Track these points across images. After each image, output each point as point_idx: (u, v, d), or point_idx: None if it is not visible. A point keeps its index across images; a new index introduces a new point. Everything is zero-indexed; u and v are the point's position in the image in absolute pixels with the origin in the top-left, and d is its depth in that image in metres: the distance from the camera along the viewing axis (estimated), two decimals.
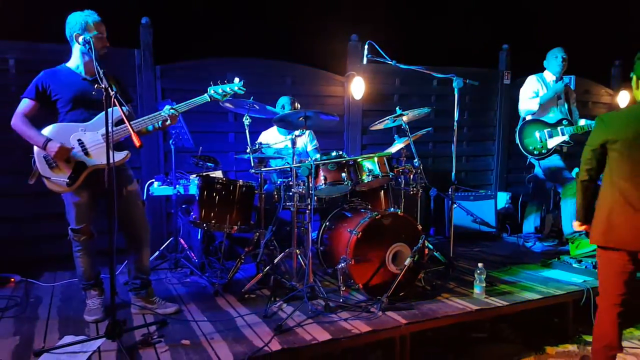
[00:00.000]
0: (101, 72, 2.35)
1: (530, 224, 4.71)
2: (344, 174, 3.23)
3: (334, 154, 3.27)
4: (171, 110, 2.72)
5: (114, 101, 2.30)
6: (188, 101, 2.82)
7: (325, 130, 5.01)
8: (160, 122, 2.76)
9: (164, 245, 3.99)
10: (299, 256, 3.18)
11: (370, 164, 3.33)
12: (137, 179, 3.13)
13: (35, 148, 2.63)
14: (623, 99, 6.65)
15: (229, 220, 3.35)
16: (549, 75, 4.43)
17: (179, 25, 4.66)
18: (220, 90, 2.86)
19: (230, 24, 4.96)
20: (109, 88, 2.30)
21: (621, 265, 2.34)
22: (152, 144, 4.33)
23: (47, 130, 2.62)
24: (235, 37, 4.97)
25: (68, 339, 2.50)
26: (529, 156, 4.39)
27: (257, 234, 3.41)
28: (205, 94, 2.86)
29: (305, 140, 4.16)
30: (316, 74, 5.12)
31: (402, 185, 3.73)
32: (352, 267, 3.01)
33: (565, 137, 4.25)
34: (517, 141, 4.42)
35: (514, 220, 5.48)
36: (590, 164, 2.43)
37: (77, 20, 2.62)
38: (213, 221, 3.34)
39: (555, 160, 4.28)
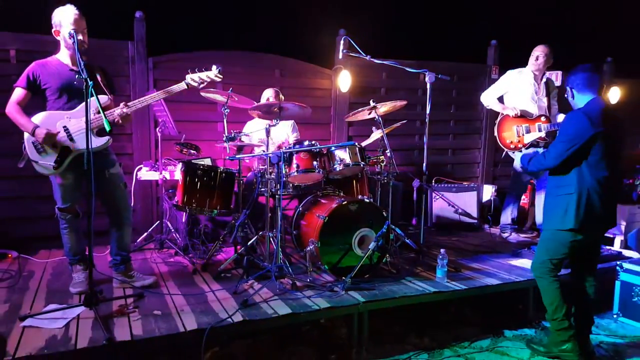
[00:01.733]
0: (82, 64, 2.56)
1: (507, 215, 4.87)
2: (315, 162, 3.44)
3: (306, 143, 3.47)
4: (124, 110, 2.91)
5: (92, 91, 2.52)
6: (166, 88, 3.02)
7: (312, 122, 5.21)
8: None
9: (151, 228, 4.24)
10: (271, 239, 3.40)
11: (341, 154, 3.53)
12: (123, 163, 3.36)
13: (25, 134, 2.87)
14: (614, 94, 6.73)
15: (209, 204, 3.58)
16: (527, 72, 4.54)
17: (171, 19, 4.88)
18: (197, 78, 3.04)
19: (220, 18, 5.17)
20: (88, 79, 2.51)
21: None
22: (143, 132, 4.56)
23: (36, 118, 2.87)
24: (225, 31, 5.17)
25: (51, 307, 2.75)
26: (506, 149, 4.54)
27: (235, 217, 3.63)
28: (183, 82, 3.05)
29: (287, 131, 4.35)
30: (304, 67, 5.31)
31: (377, 176, 3.92)
32: (320, 250, 3.22)
33: (542, 133, 4.39)
34: (495, 134, 4.57)
35: (499, 212, 5.63)
36: None
37: (60, 15, 2.84)
38: (194, 204, 3.56)
39: (531, 154, 4.42)
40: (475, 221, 5.31)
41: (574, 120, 2.69)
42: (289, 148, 3.36)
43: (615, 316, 3.53)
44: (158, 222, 4.22)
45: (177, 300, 2.94)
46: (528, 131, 4.43)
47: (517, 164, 4.68)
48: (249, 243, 3.44)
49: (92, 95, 2.54)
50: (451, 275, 3.47)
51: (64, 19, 2.84)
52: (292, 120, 4.45)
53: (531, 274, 3.03)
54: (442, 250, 3.40)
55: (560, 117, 4.57)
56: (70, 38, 2.73)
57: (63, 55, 2.98)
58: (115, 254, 3.15)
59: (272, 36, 5.25)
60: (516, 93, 4.55)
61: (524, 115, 4.48)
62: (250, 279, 3.25)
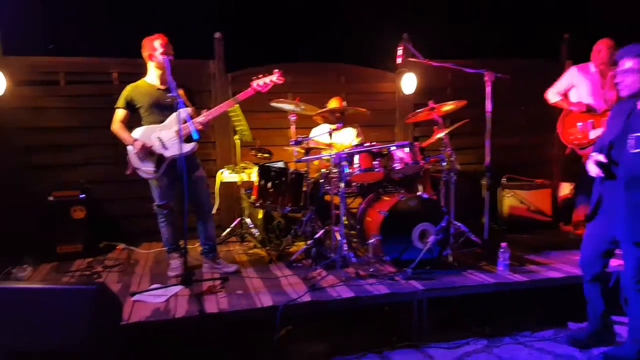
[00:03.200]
0: (174, 84, 3.08)
1: (579, 213, 4.80)
2: (375, 162, 3.73)
3: (366, 144, 3.77)
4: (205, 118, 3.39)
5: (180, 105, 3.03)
6: (242, 93, 3.48)
7: (377, 124, 5.50)
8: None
9: (233, 224, 4.75)
10: (336, 232, 3.73)
11: (401, 153, 3.78)
12: (208, 168, 3.86)
13: (128, 147, 3.46)
14: None
15: (281, 202, 3.98)
16: (591, 66, 4.48)
17: (246, 37, 5.41)
18: (261, 82, 3.46)
19: (289, 33, 5.61)
20: (177, 96, 3.02)
21: None
22: (224, 140, 5.11)
23: (135, 133, 3.45)
24: (294, 44, 5.60)
25: (155, 286, 3.29)
26: (569, 146, 4.51)
27: (304, 214, 4.01)
28: (250, 87, 3.48)
29: (351, 135, 4.67)
30: (368, 72, 5.61)
31: (442, 174, 4.10)
32: (381, 243, 3.50)
33: None
34: (559, 130, 4.56)
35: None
36: None
37: (152, 43, 3.39)
38: (268, 202, 3.99)
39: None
40: (550, 219, 5.27)
41: None
42: (344, 151, 3.68)
43: None
44: (239, 219, 4.72)
45: (255, 283, 3.37)
46: (593, 127, 4.38)
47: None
48: (316, 236, 3.80)
49: (179, 109, 3.04)
50: (514, 269, 3.59)
51: (157, 45, 3.38)
52: (357, 125, 4.76)
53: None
54: (502, 244, 3.53)
55: None
56: (163, 61, 3.27)
57: (152, 77, 3.53)
58: (203, 243, 3.66)
59: (337, 45, 5.61)
60: (581, 89, 4.50)
61: (589, 111, 4.43)
62: (318, 268, 3.61)
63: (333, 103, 4.68)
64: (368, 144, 3.77)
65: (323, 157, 3.87)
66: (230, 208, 5.09)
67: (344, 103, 4.69)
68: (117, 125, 3.48)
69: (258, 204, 4.02)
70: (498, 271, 3.51)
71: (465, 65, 4.13)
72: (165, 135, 3.41)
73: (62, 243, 4.11)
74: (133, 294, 3.12)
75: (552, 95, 4.68)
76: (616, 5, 6.13)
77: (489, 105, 3.95)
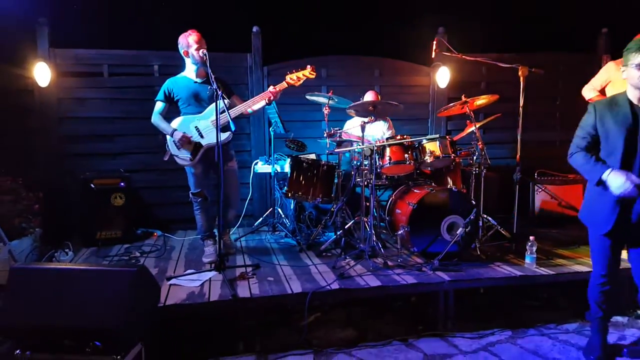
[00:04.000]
0: (212, 76, 3.20)
1: None
2: (406, 155, 3.76)
3: (398, 137, 3.81)
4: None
5: (220, 95, 3.15)
6: (278, 85, 3.61)
7: (410, 117, 5.52)
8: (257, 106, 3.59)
9: (266, 213, 4.88)
10: (366, 223, 3.80)
11: (432, 146, 3.80)
12: (243, 159, 3.98)
13: (167, 136, 3.62)
14: None
15: (313, 193, 4.08)
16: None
17: (283, 31, 5.50)
18: (294, 77, 3.59)
19: (325, 26, 5.67)
20: (217, 89, 3.14)
21: None
22: (259, 131, 5.24)
23: (174, 123, 3.62)
24: (329, 37, 5.66)
25: (190, 271, 3.45)
26: None
27: (334, 204, 4.09)
28: (284, 81, 3.60)
29: (382, 129, 4.71)
30: (402, 66, 5.62)
31: (473, 168, 4.10)
32: (410, 234, 3.55)
33: None
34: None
35: None
36: None
37: (186, 39, 3.52)
38: (299, 193, 4.09)
39: None
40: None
41: None
42: (374, 143, 3.73)
43: None
44: (271, 208, 4.85)
45: (286, 271, 3.48)
46: None
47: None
48: (346, 227, 3.88)
49: (218, 100, 3.16)
50: (542, 262, 3.58)
51: (191, 41, 3.51)
52: (388, 118, 4.79)
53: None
54: (531, 238, 3.52)
55: None
56: (198, 55, 3.41)
57: (189, 71, 3.68)
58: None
59: (372, 38, 5.63)
60: (619, 84, 4.38)
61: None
62: (347, 258, 3.69)
63: (368, 96, 4.72)
64: (399, 137, 3.80)
65: (354, 149, 3.93)
66: (264, 198, 5.22)
67: (379, 97, 4.72)
68: (156, 117, 3.67)
69: (290, 195, 4.12)
70: (525, 264, 3.51)
71: (500, 59, 4.10)
72: (202, 125, 3.55)
73: (102, 229, 4.32)
74: (169, 279, 3.28)
75: (588, 91, 4.56)
76: None
77: (522, 100, 3.92)
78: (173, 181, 4.93)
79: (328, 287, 3.11)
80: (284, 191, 4.27)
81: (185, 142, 3.56)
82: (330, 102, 4.15)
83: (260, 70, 5.27)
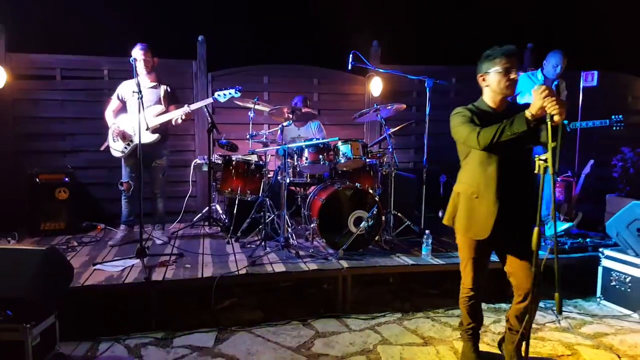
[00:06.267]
0: (139, 84, 3.61)
1: (543, 208, 5.15)
2: (321, 156, 4.17)
3: (315, 141, 4.21)
4: (185, 109, 4.00)
5: (140, 102, 3.55)
6: (198, 102, 4.04)
7: (346, 123, 5.93)
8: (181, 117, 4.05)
9: (205, 209, 5.24)
10: (286, 217, 4.18)
11: (345, 149, 4.22)
12: (188, 158, 4.48)
13: (109, 129, 4.12)
14: None
15: (241, 190, 4.45)
16: (538, 75, 4.82)
17: (228, 40, 5.89)
18: (222, 94, 4.05)
19: (268, 37, 6.08)
20: (141, 97, 3.52)
21: None
22: (202, 133, 5.59)
23: (118, 118, 4.15)
24: (272, 46, 6.07)
25: (116, 258, 3.79)
26: None
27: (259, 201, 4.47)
28: (210, 97, 4.05)
29: (313, 132, 5.11)
30: (339, 75, 6.04)
31: (383, 169, 4.53)
32: (319, 227, 3.94)
33: None
34: None
35: None
36: None
37: (133, 50, 4.06)
38: (230, 189, 4.46)
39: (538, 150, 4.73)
40: None
41: None
42: (288, 145, 4.15)
43: (598, 299, 3.80)
44: (210, 205, 5.20)
45: (206, 259, 3.85)
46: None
47: None
48: (267, 220, 4.26)
49: (143, 105, 3.59)
50: (438, 254, 4.00)
51: (134, 53, 4.05)
52: (318, 122, 5.20)
53: None
54: (426, 231, 3.94)
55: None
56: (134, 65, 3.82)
57: (141, 77, 4.13)
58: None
59: (313, 49, 6.05)
60: (527, 95, 4.85)
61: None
62: (267, 248, 4.06)
63: (296, 101, 5.12)
64: (316, 140, 4.21)
65: (271, 150, 4.34)
66: (204, 194, 5.58)
67: (309, 103, 5.12)
68: (107, 112, 4.26)
69: (222, 191, 4.49)
70: (422, 255, 3.92)
71: (433, 72, 4.55)
72: (136, 125, 3.93)
73: (46, 220, 4.64)
74: (95, 264, 3.62)
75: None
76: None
77: (427, 108, 4.35)
78: (120, 178, 5.25)
79: (236, 272, 3.49)
80: (219, 188, 4.63)
81: (118, 135, 4.09)
82: (256, 107, 4.55)
83: (205, 77, 5.64)
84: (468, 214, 2.58)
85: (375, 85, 5.86)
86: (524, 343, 2.28)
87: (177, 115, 4.07)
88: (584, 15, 6.71)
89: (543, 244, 4.26)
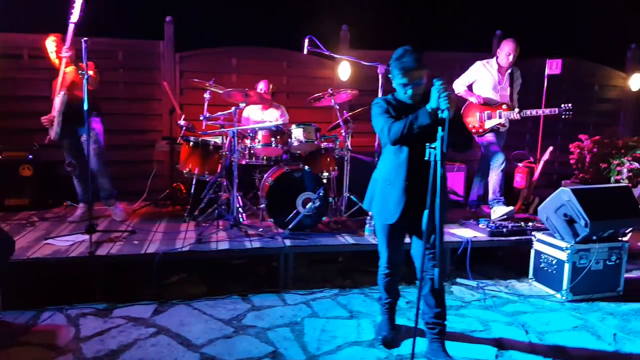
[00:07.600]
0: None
1: (474, 192, 5.30)
2: (273, 139, 4.28)
3: (268, 124, 4.32)
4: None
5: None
6: None
7: (315, 107, 5.99)
8: None
9: (167, 190, 5.37)
10: (238, 196, 4.31)
11: (298, 133, 4.33)
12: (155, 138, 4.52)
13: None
14: (635, 82, 6.62)
15: (199, 170, 4.57)
16: (493, 63, 4.90)
17: (196, 20, 5.94)
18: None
19: (237, 18, 6.12)
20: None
21: None
22: (167, 114, 5.69)
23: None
24: (241, 28, 6.13)
25: (67, 233, 3.94)
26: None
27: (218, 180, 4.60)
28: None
29: (275, 115, 5.21)
30: (308, 59, 6.04)
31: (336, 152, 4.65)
32: (268, 208, 4.07)
33: (502, 120, 4.79)
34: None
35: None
36: None
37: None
38: (189, 169, 4.58)
39: (489, 137, 4.85)
40: (461, 199, 5.76)
41: None
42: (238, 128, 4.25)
43: (530, 280, 3.94)
44: (172, 184, 5.34)
45: (156, 237, 3.99)
46: (490, 117, 4.84)
47: None
48: (220, 200, 4.40)
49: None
50: None
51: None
52: (282, 106, 5.30)
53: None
54: (370, 213, 4.07)
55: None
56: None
57: None
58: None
59: (283, 32, 6.10)
60: (482, 82, 4.94)
61: (487, 103, 4.88)
62: (218, 227, 4.20)
63: (261, 85, 5.21)
64: (281, 122, 4.32)
65: (223, 132, 4.46)
66: (169, 175, 5.70)
67: (271, 86, 5.21)
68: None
69: (182, 170, 4.61)
70: (365, 235, 4.06)
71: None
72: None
73: (10, 197, 4.79)
74: (47, 239, 3.77)
75: (458, 86, 5.12)
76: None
77: (380, 93, 4.44)
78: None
79: (180, 249, 3.63)
80: (179, 168, 4.76)
81: (50, 120, 4.19)
82: (212, 89, 4.65)
83: (172, 58, 5.72)
84: (383, 199, 2.70)
85: (343, 70, 5.92)
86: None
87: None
88: (552, 2, 6.75)
89: (484, 227, 4.37)
